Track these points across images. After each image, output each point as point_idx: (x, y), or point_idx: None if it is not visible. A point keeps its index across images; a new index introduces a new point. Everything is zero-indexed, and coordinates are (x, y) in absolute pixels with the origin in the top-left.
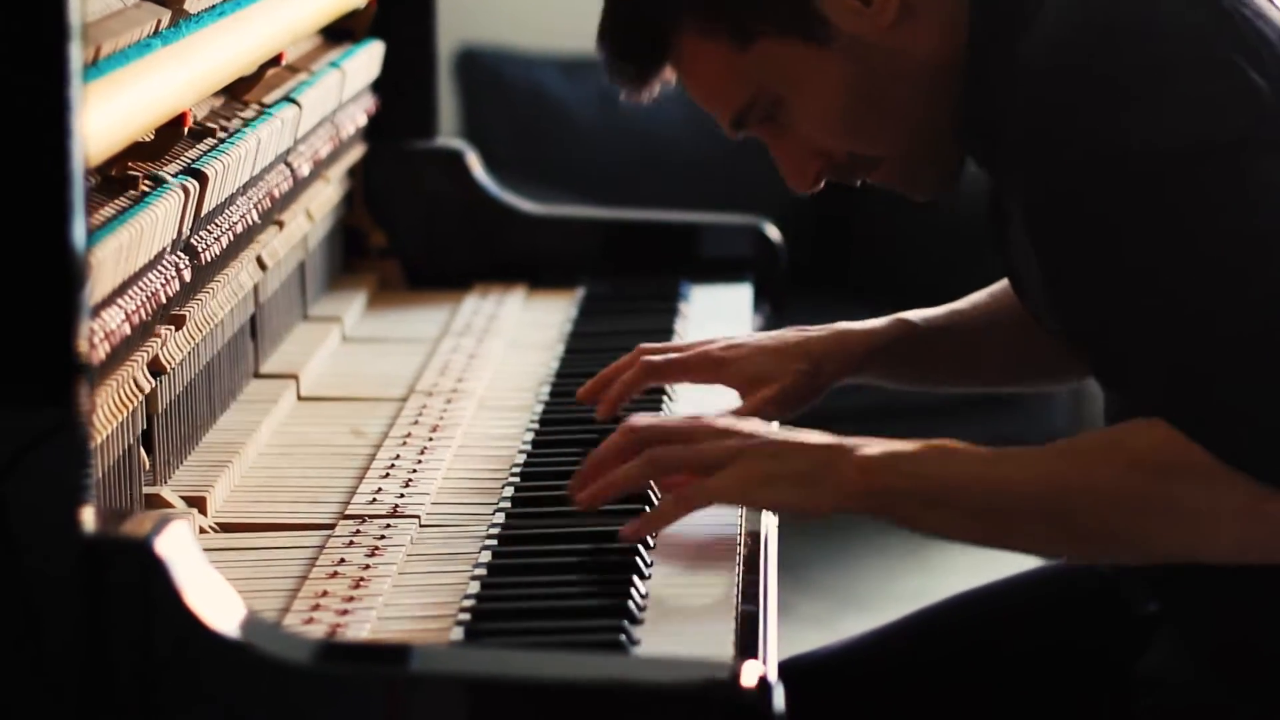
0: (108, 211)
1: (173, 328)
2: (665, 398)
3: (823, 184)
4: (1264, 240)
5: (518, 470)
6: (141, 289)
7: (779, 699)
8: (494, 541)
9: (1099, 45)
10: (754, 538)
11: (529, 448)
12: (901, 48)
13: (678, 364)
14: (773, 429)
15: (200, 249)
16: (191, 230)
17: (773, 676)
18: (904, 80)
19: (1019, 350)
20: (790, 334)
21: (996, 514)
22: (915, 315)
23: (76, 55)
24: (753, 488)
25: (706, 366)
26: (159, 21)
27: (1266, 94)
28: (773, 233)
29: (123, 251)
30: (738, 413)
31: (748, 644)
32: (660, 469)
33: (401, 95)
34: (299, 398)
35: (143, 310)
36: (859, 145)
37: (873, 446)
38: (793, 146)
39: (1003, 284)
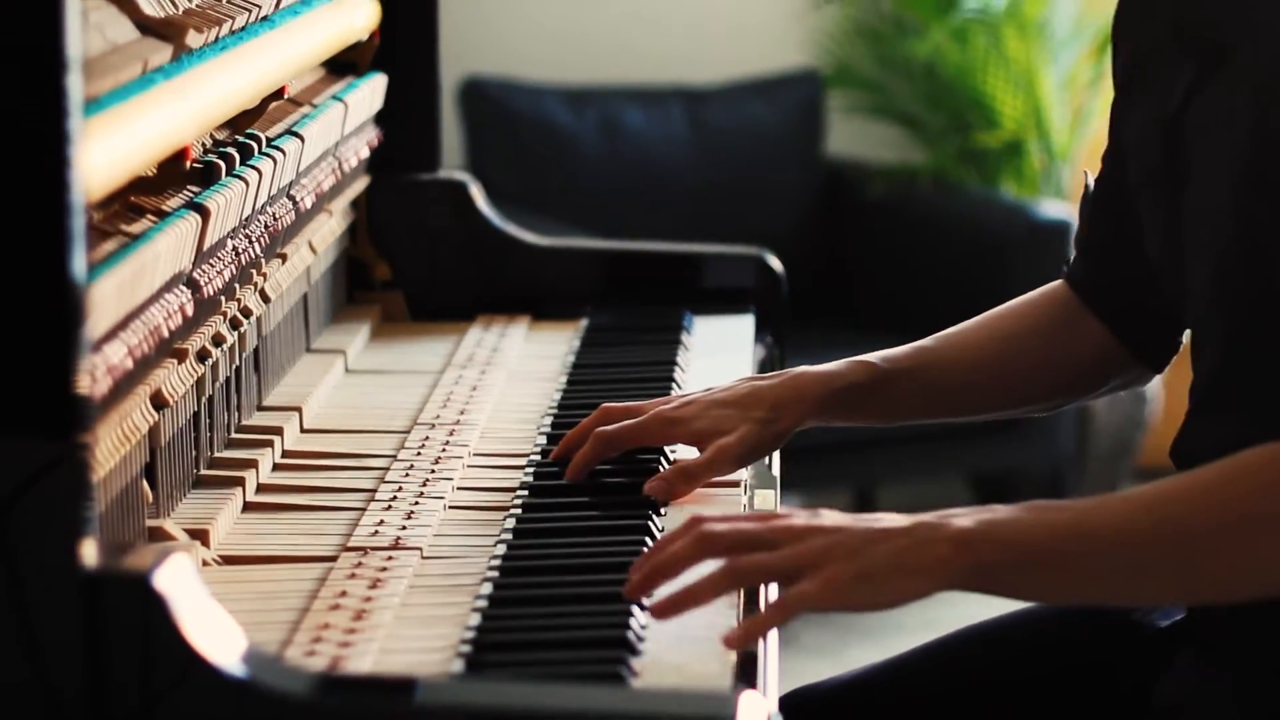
0: (110, 246)
1: (175, 361)
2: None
3: None
4: None
5: (520, 501)
6: (144, 323)
7: None
8: (496, 573)
9: None
10: None
11: (531, 479)
12: None
13: (633, 430)
14: (854, 519)
15: (202, 282)
16: (194, 264)
17: (773, 708)
18: None
19: (999, 381)
20: (743, 385)
21: (1107, 569)
22: (875, 357)
23: (77, 89)
24: (849, 589)
25: (662, 428)
26: (161, 57)
27: None
28: (775, 263)
29: (125, 285)
30: (693, 465)
31: (748, 675)
32: (745, 581)
33: (405, 128)
34: (302, 430)
35: (145, 344)
36: None
37: (964, 519)
38: None
39: (996, 313)
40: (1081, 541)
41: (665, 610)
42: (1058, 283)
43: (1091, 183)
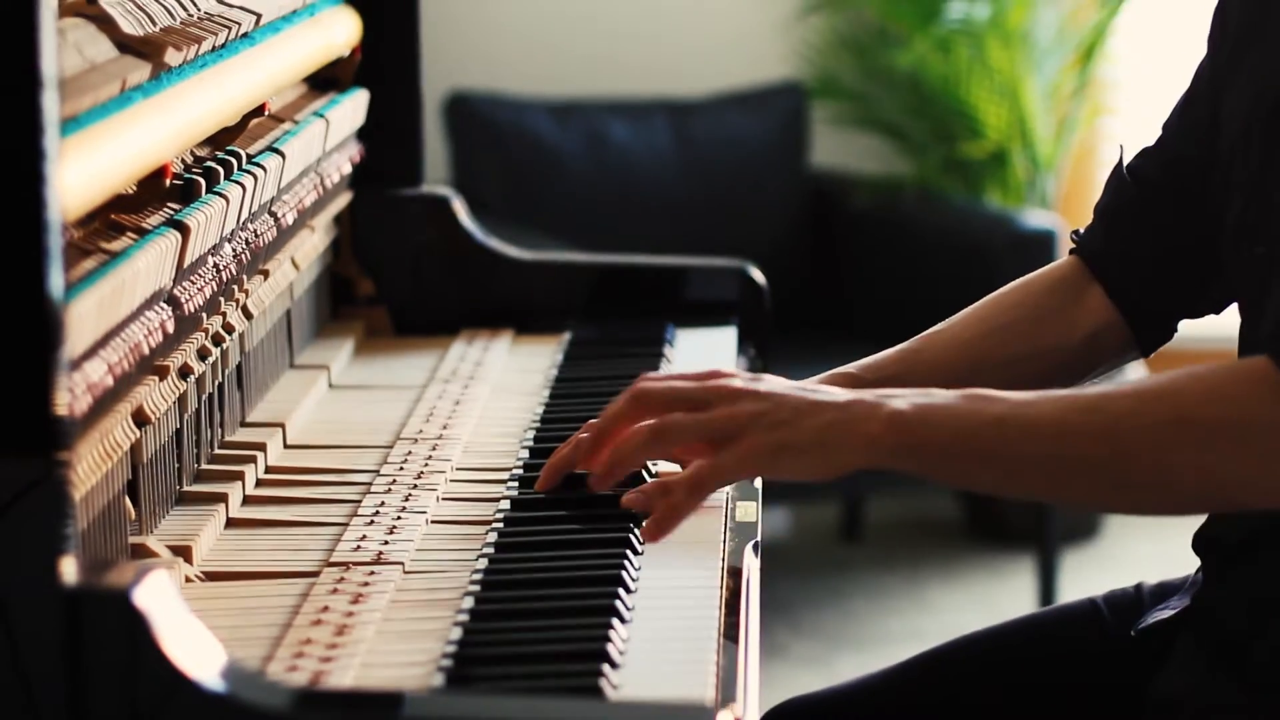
0: (89, 263)
1: (157, 378)
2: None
3: None
4: None
5: (501, 515)
6: (124, 340)
7: None
8: (477, 587)
9: None
10: (735, 578)
11: (513, 493)
12: None
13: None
14: (794, 387)
15: (184, 299)
16: (175, 281)
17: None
18: None
19: (986, 374)
20: None
21: (1040, 460)
22: (856, 366)
23: (53, 107)
24: (765, 460)
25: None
26: (140, 75)
27: None
28: (758, 276)
29: (105, 303)
30: (675, 481)
31: (728, 688)
32: (668, 441)
33: (388, 143)
34: (285, 446)
35: (126, 361)
36: None
37: (900, 400)
38: None
39: (985, 304)
40: (1014, 430)
41: (603, 478)
42: (1052, 266)
43: (1125, 154)
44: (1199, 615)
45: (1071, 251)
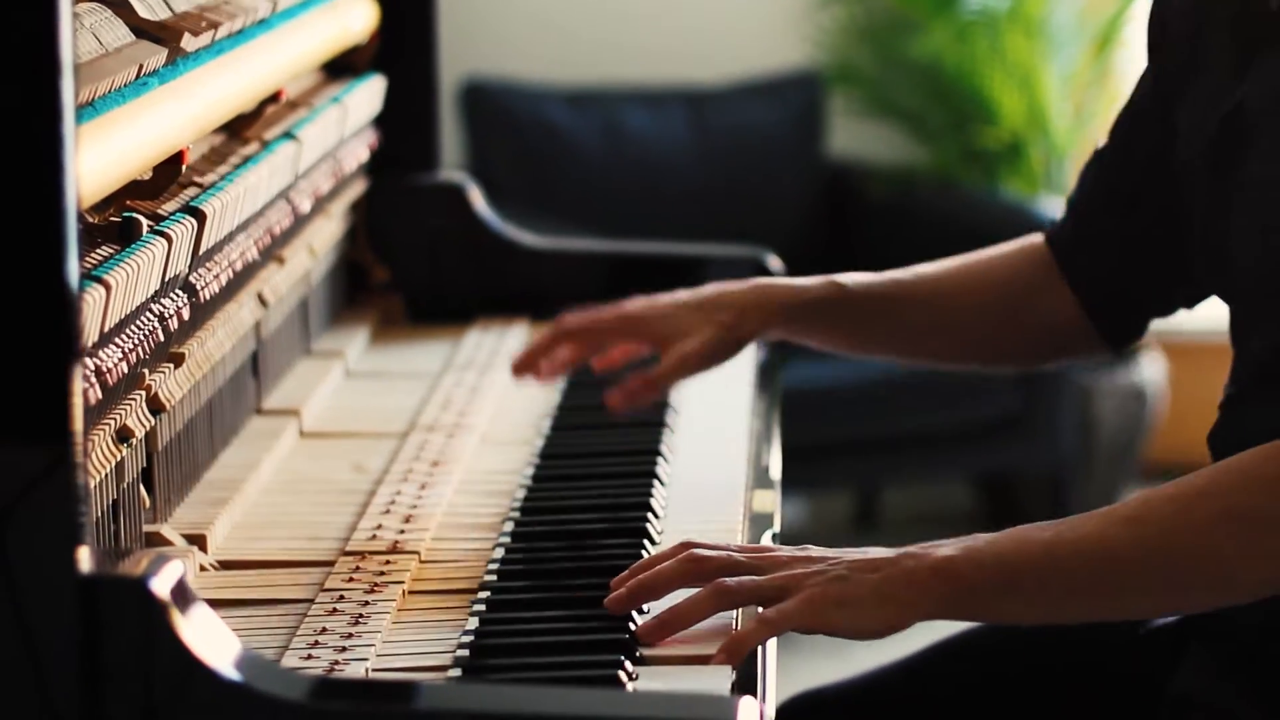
0: (105, 250)
1: (172, 365)
2: (669, 410)
3: None
4: None
5: (518, 505)
6: (140, 327)
7: None
8: (493, 577)
9: None
10: None
11: (530, 482)
12: None
13: (595, 325)
14: (839, 551)
15: (199, 286)
16: (190, 268)
17: (770, 714)
18: None
19: (963, 330)
20: (709, 289)
21: (1094, 583)
22: (849, 278)
23: (70, 93)
24: (828, 610)
25: (626, 326)
26: (156, 60)
27: None
28: (774, 264)
29: (121, 290)
30: (657, 374)
31: (746, 680)
32: (731, 601)
33: (403, 129)
34: (301, 434)
35: (141, 348)
36: None
37: (947, 547)
38: None
39: (961, 259)
40: (1064, 559)
41: (652, 632)
42: (1036, 239)
43: (1103, 147)
44: (1209, 621)
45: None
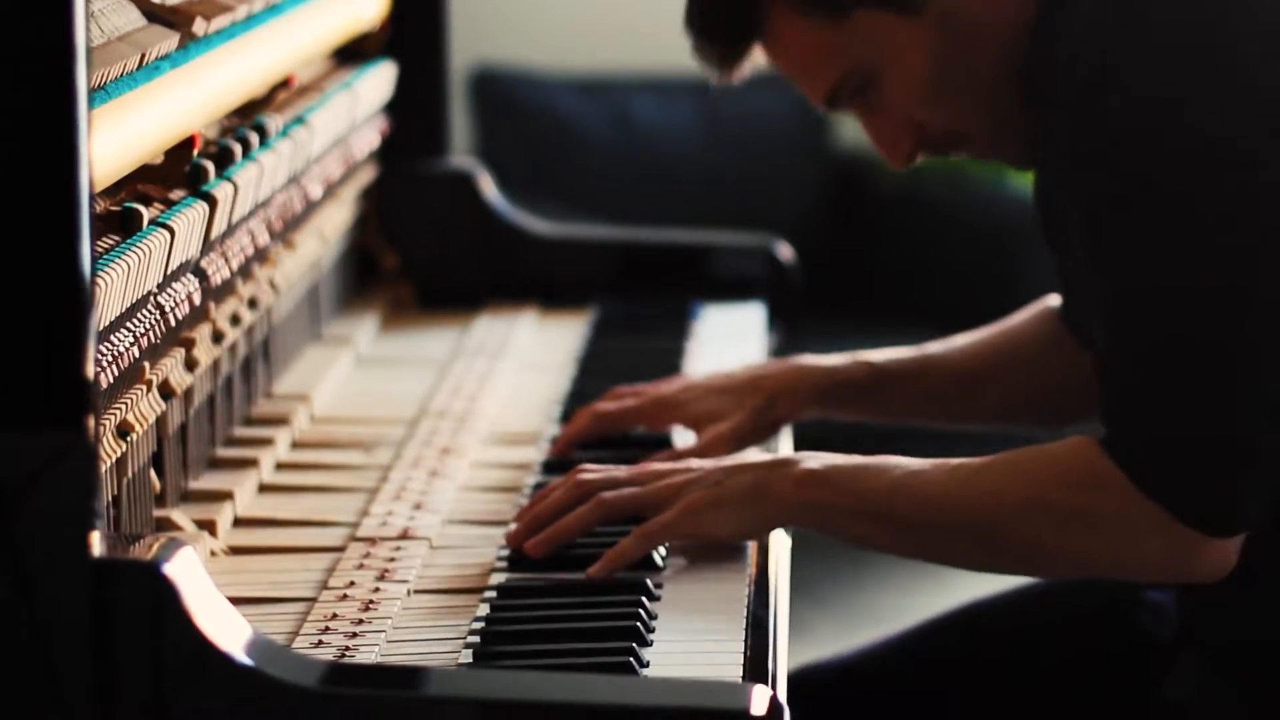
0: (117, 234)
1: (183, 350)
2: None
3: (920, 159)
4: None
5: (529, 492)
6: (151, 312)
7: None
8: (504, 564)
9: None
10: (764, 556)
11: (540, 469)
12: (990, 12)
13: (630, 411)
14: (715, 460)
15: (210, 271)
16: (201, 252)
17: (782, 698)
18: (992, 45)
19: (995, 391)
20: (743, 372)
21: (926, 528)
22: (878, 356)
23: (83, 78)
24: (701, 516)
25: (661, 411)
26: (168, 45)
27: None
28: (784, 252)
29: (132, 274)
30: (692, 450)
31: (758, 665)
32: (612, 512)
33: (414, 116)
34: (311, 419)
35: (152, 333)
36: (950, 116)
37: (813, 461)
38: (886, 122)
39: (987, 330)
40: (904, 498)
41: (540, 545)
42: (1053, 301)
43: None
44: (1202, 628)
45: None
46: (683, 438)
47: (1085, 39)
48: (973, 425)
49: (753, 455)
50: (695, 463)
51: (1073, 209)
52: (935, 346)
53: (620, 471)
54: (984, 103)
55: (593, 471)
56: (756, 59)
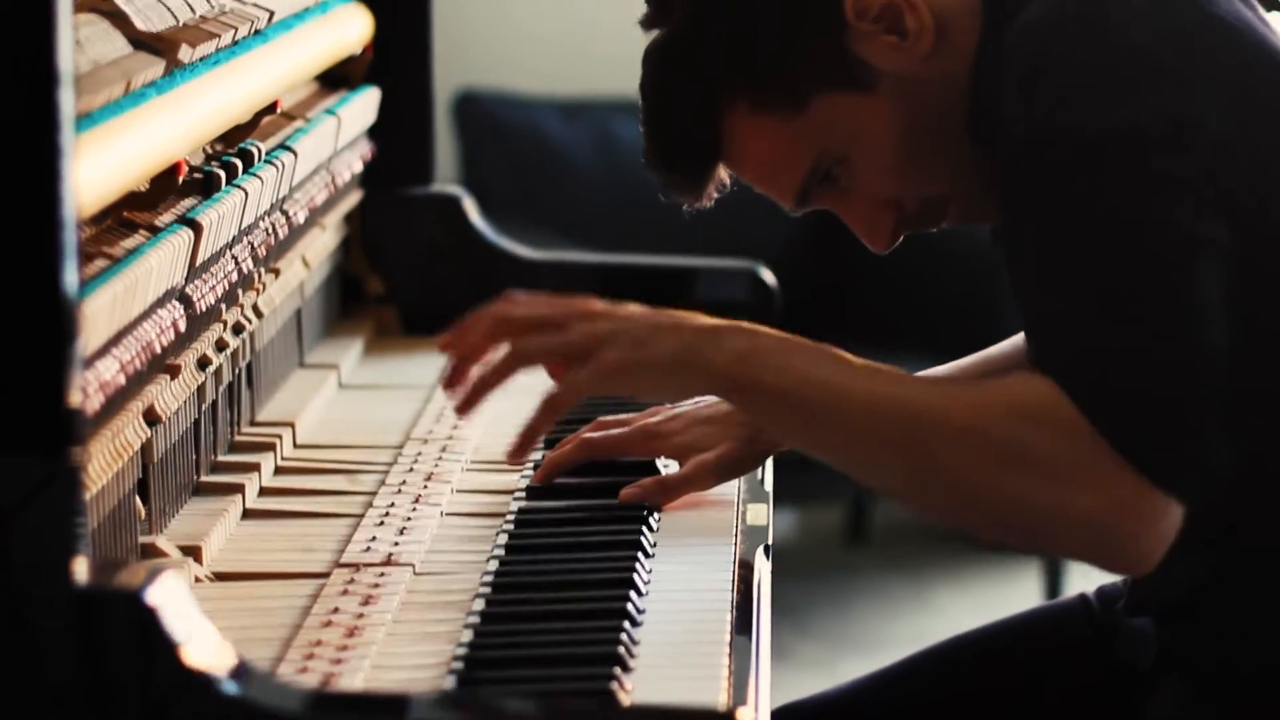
0: (101, 261)
1: (168, 377)
2: None
3: (901, 240)
4: (1172, 233)
5: (512, 517)
6: (136, 339)
7: None
8: (488, 589)
9: (1053, 40)
10: (746, 581)
11: (524, 495)
12: (941, 75)
13: (616, 440)
14: (651, 312)
15: (195, 298)
16: (186, 279)
17: None
18: (949, 105)
19: None
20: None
21: (849, 429)
22: None
23: (68, 104)
24: (615, 377)
25: (645, 440)
26: (153, 72)
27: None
28: (768, 276)
29: (117, 301)
30: (672, 479)
31: (740, 691)
32: (526, 360)
33: (398, 141)
34: (295, 445)
35: (138, 360)
36: (922, 184)
37: (743, 337)
38: (861, 206)
39: (968, 359)
40: (833, 394)
41: (464, 406)
42: None
43: None
44: (1187, 649)
45: None
46: (669, 466)
47: (1008, 71)
48: None
49: (690, 317)
50: (628, 309)
51: (1015, 230)
52: (923, 376)
53: (544, 306)
54: (954, 160)
55: (515, 306)
56: (722, 176)
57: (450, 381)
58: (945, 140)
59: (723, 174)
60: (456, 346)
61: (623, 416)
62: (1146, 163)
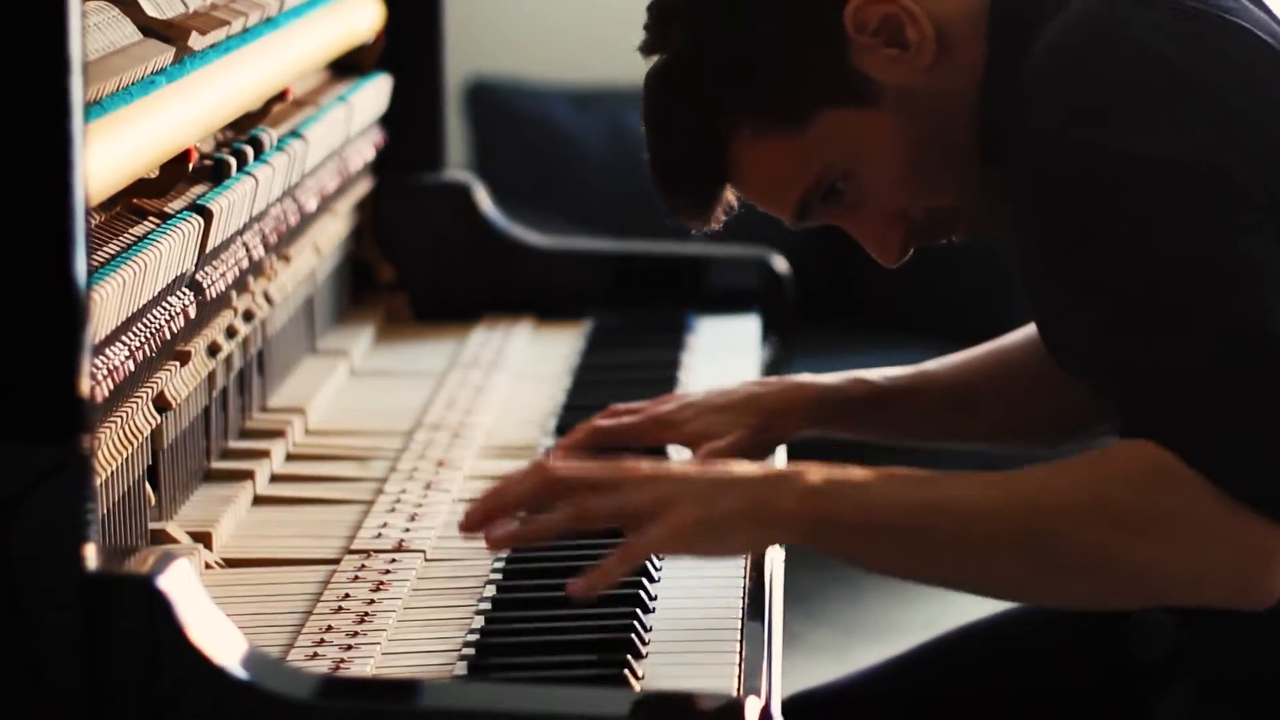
0: (112, 248)
1: (179, 363)
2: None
3: (911, 252)
4: (1238, 260)
5: None
6: (147, 325)
7: None
8: (499, 576)
9: (1084, 62)
10: (758, 568)
11: None
12: (943, 86)
13: (628, 428)
14: (703, 467)
15: (206, 284)
16: (197, 266)
17: (776, 711)
18: (953, 117)
19: (994, 408)
20: (741, 389)
21: (956, 543)
22: (876, 374)
23: (79, 91)
24: (690, 536)
25: (656, 429)
26: (164, 59)
27: (1243, 120)
28: (780, 265)
29: (127, 287)
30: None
31: (752, 677)
32: (587, 521)
33: (409, 129)
34: (306, 431)
35: (148, 346)
36: (929, 197)
37: (815, 474)
38: (869, 220)
39: (984, 346)
40: (932, 510)
41: (500, 542)
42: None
43: None
44: (1198, 651)
45: None
46: (678, 453)
47: (1035, 95)
48: (971, 444)
49: (746, 466)
50: (680, 467)
51: (1045, 254)
52: (933, 365)
53: (595, 469)
54: (961, 173)
55: (564, 467)
56: (730, 199)
57: (476, 524)
58: (950, 152)
59: (730, 197)
60: (496, 505)
61: (634, 405)
62: (1202, 192)
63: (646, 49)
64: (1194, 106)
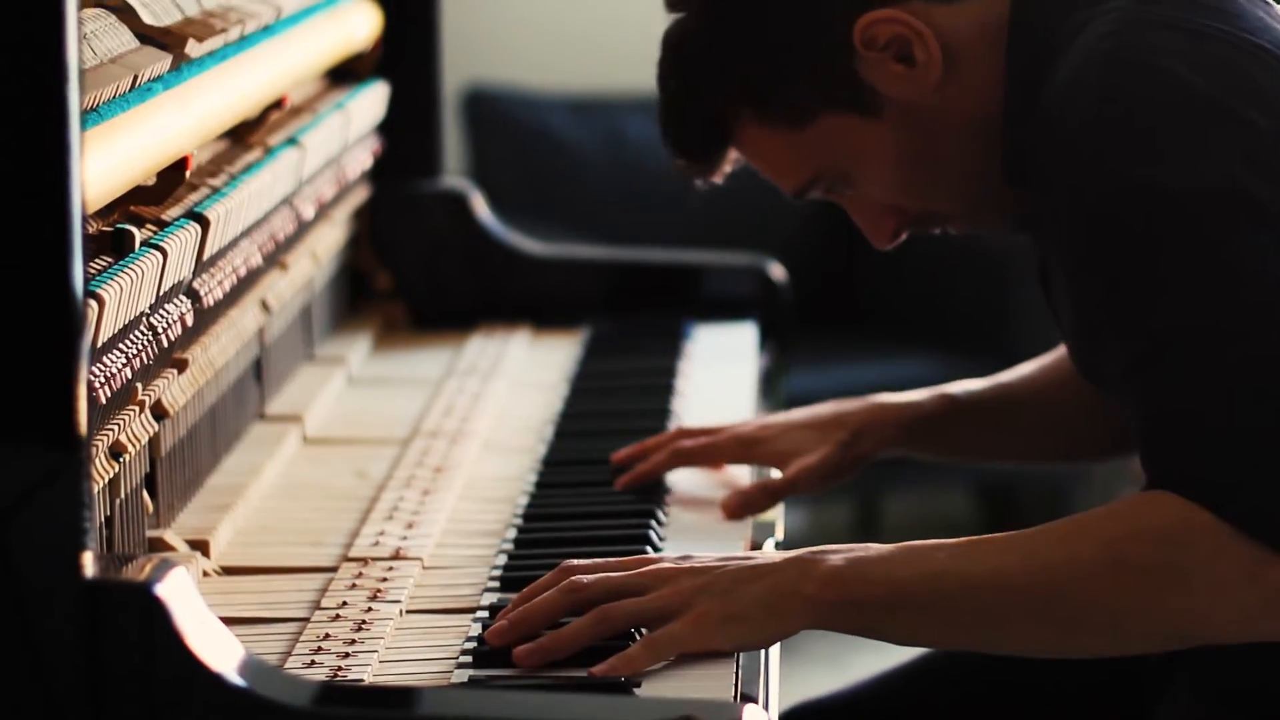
0: (109, 256)
1: (176, 371)
2: (672, 418)
3: (904, 237)
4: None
5: (521, 512)
6: (144, 333)
7: None
8: (496, 584)
9: (1118, 91)
10: None
11: (532, 489)
12: (949, 105)
13: (710, 448)
14: (724, 560)
15: (203, 292)
16: (194, 274)
17: (774, 718)
18: (956, 136)
19: (1067, 425)
20: (825, 408)
21: (980, 612)
22: (957, 388)
23: (75, 99)
24: (717, 629)
25: (739, 448)
26: (161, 66)
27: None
28: (776, 272)
29: (124, 295)
30: (775, 484)
31: (749, 685)
32: (614, 627)
33: (406, 136)
34: (304, 439)
35: (145, 354)
36: (925, 201)
37: (837, 556)
38: (865, 207)
39: (1051, 356)
40: (953, 581)
41: (530, 657)
42: None
43: None
44: (1197, 651)
45: None
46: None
47: (1068, 122)
48: (1058, 462)
49: (765, 556)
50: (698, 561)
51: (1082, 278)
52: (1011, 375)
53: (617, 573)
54: (957, 187)
55: (585, 573)
56: (735, 158)
57: (503, 641)
58: (948, 165)
59: (735, 153)
60: (523, 621)
61: (709, 425)
62: (1238, 224)
63: (671, 3)
64: (1226, 135)
